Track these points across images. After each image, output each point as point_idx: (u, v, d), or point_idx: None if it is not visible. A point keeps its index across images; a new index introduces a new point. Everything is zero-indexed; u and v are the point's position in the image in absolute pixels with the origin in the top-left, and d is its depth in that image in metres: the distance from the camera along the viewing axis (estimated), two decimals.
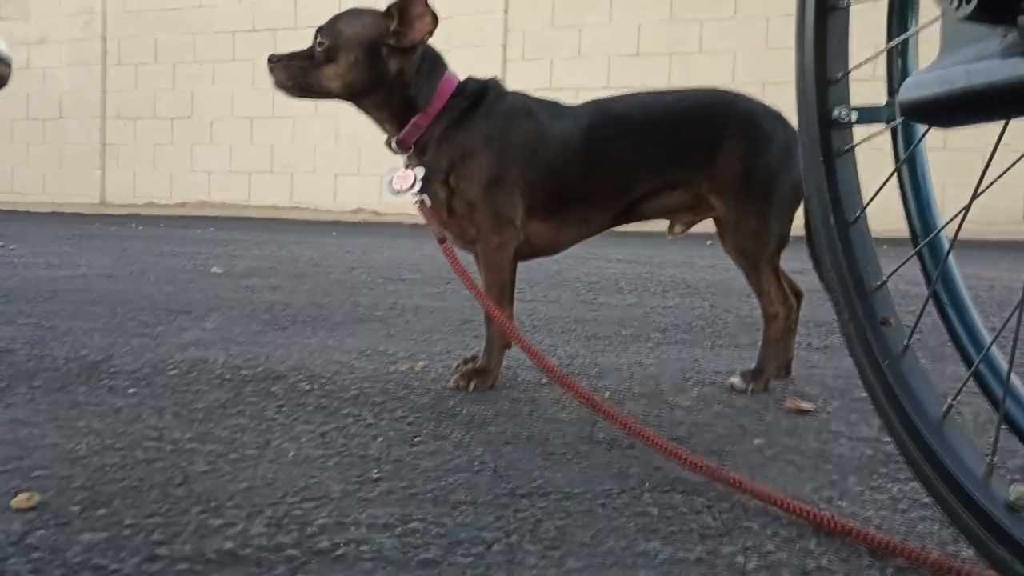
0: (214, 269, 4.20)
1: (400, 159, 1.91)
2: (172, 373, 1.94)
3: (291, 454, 1.38)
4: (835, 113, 1.13)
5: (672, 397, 1.80)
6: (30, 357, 2.08)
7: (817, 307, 3.14)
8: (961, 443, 0.98)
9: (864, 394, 1.80)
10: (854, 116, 1.13)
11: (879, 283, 1.10)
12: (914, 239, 1.13)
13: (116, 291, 3.33)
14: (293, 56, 1.89)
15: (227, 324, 2.61)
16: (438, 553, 1.01)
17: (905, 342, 1.05)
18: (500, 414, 1.64)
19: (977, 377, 1.06)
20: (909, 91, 0.81)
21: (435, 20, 1.83)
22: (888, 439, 1.49)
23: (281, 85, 1.88)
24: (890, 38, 1.12)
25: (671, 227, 2.00)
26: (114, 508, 1.13)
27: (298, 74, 1.87)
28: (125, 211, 10.54)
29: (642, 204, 1.91)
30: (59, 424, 1.53)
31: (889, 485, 1.29)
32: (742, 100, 1.92)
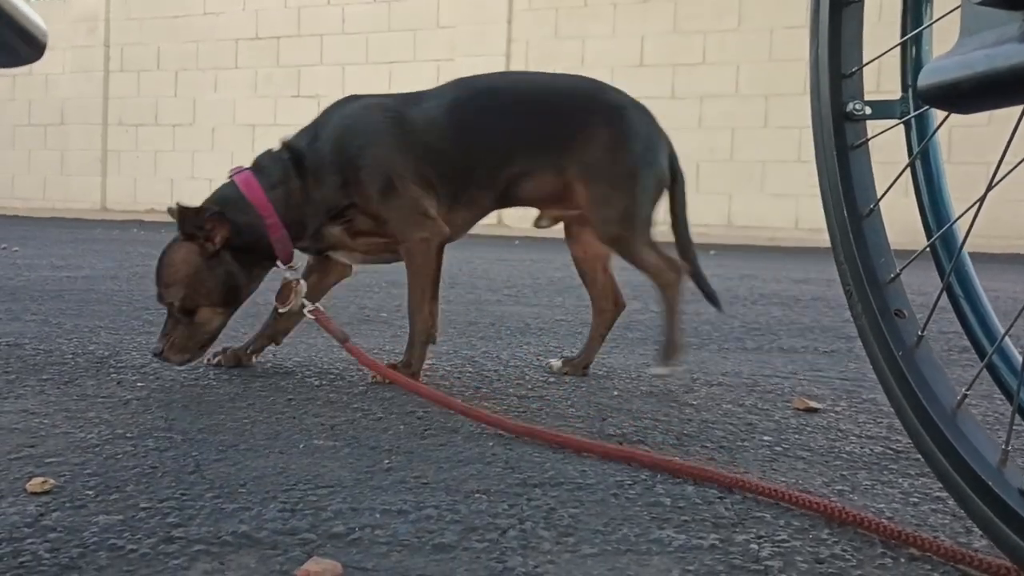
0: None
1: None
2: (180, 368, 1.94)
3: (302, 445, 1.38)
4: (849, 107, 1.14)
5: (680, 396, 1.80)
6: (38, 352, 2.08)
7: (823, 313, 3.15)
8: (975, 432, 0.98)
9: (872, 395, 1.82)
10: (868, 110, 1.14)
11: (892, 275, 1.11)
12: (928, 233, 1.14)
13: (120, 291, 3.34)
14: (167, 335, 1.82)
15: (233, 323, 2.60)
16: (453, 538, 1.02)
17: (919, 332, 1.06)
18: (510, 410, 1.64)
19: (990, 368, 1.06)
20: (929, 76, 0.81)
21: (225, 225, 1.80)
22: (898, 437, 1.50)
23: (188, 360, 1.85)
24: (904, 32, 1.13)
25: (538, 219, 2.04)
26: (128, 492, 1.14)
27: (187, 342, 1.83)
28: (126, 217, 10.55)
29: (518, 185, 1.92)
30: (69, 415, 1.53)
31: (900, 480, 1.29)
32: (612, 91, 1.97)
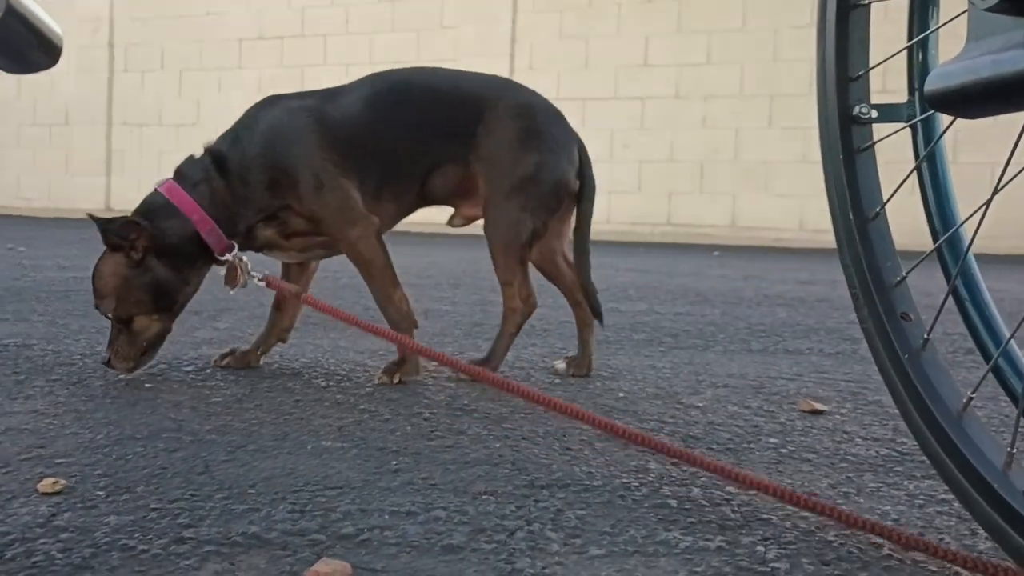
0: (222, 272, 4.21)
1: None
2: (187, 369, 1.95)
3: (309, 446, 1.39)
4: (856, 110, 1.15)
5: (686, 398, 1.81)
6: (46, 352, 2.09)
7: (828, 314, 3.15)
8: (980, 434, 0.99)
9: (877, 397, 1.83)
10: (874, 113, 1.15)
11: (899, 279, 1.12)
12: (934, 236, 1.15)
13: None
14: (112, 344, 1.83)
15: (239, 324, 2.62)
16: (462, 539, 1.03)
17: (925, 336, 1.06)
18: (516, 411, 1.65)
19: (996, 372, 1.07)
20: (935, 82, 0.82)
21: (144, 233, 1.80)
22: (903, 440, 1.51)
23: (133, 367, 1.84)
24: (911, 35, 1.13)
25: (452, 217, 2.04)
26: (138, 493, 1.14)
27: (129, 350, 1.82)
28: None
29: (433, 177, 1.94)
30: (78, 415, 1.54)
31: (905, 482, 1.30)
32: (524, 91, 1.99)
